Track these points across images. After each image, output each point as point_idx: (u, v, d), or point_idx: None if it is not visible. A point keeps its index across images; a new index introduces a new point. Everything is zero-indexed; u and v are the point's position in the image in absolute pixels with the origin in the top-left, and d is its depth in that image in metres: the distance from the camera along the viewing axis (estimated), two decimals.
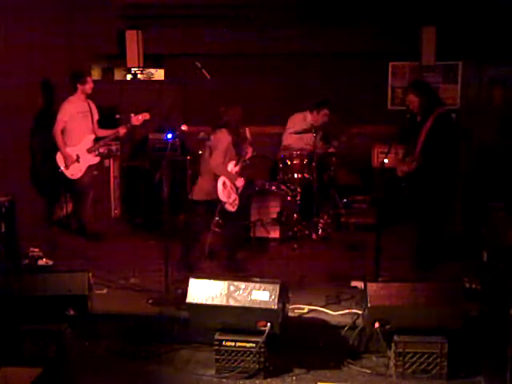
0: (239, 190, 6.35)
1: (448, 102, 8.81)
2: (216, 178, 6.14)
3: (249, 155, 6.55)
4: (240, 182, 6.34)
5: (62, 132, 7.07)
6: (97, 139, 7.25)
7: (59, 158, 7.07)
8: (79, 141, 7.15)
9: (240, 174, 6.37)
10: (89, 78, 7.21)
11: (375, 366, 4.60)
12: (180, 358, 4.76)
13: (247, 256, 6.67)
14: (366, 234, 6.76)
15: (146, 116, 7.14)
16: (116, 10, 8.59)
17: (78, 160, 7.11)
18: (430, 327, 4.44)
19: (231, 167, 6.28)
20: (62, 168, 7.06)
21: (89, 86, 7.16)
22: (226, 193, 6.15)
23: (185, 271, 5.73)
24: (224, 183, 6.15)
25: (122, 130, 7.20)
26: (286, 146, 7.77)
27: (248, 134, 6.53)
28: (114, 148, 8.14)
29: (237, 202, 6.27)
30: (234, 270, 6.08)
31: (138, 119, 7.09)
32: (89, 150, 7.18)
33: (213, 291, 4.53)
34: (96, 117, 7.33)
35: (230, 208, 6.18)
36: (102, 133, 7.32)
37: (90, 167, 7.24)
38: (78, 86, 7.12)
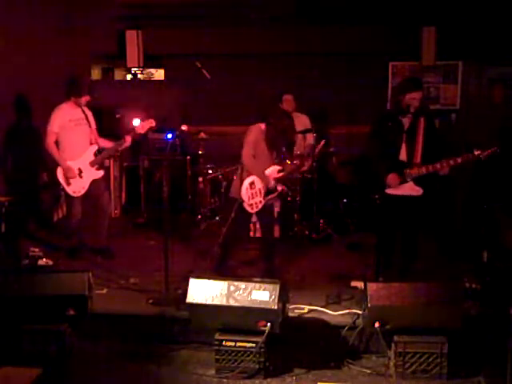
0: (270, 196, 5.81)
1: (448, 102, 8.85)
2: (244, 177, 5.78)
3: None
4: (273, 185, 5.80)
5: (57, 145, 6.32)
6: (98, 151, 6.51)
7: (59, 172, 6.31)
8: (80, 153, 6.37)
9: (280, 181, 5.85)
10: (87, 95, 6.35)
11: (375, 366, 4.59)
12: (180, 358, 4.75)
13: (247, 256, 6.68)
14: (365, 234, 6.75)
15: (152, 123, 6.34)
16: (116, 10, 8.60)
17: (80, 175, 6.35)
18: (430, 327, 4.43)
19: (271, 171, 5.78)
20: (63, 184, 6.33)
21: (84, 100, 6.36)
22: (251, 193, 5.74)
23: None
24: (252, 184, 5.76)
25: (128, 140, 6.40)
26: None
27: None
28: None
29: (258, 204, 5.78)
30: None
31: (142, 127, 6.33)
32: (92, 163, 6.42)
33: (213, 291, 4.53)
34: (94, 125, 6.55)
35: (249, 209, 5.80)
36: (104, 143, 6.56)
37: (93, 182, 6.44)
38: (72, 97, 6.33)
